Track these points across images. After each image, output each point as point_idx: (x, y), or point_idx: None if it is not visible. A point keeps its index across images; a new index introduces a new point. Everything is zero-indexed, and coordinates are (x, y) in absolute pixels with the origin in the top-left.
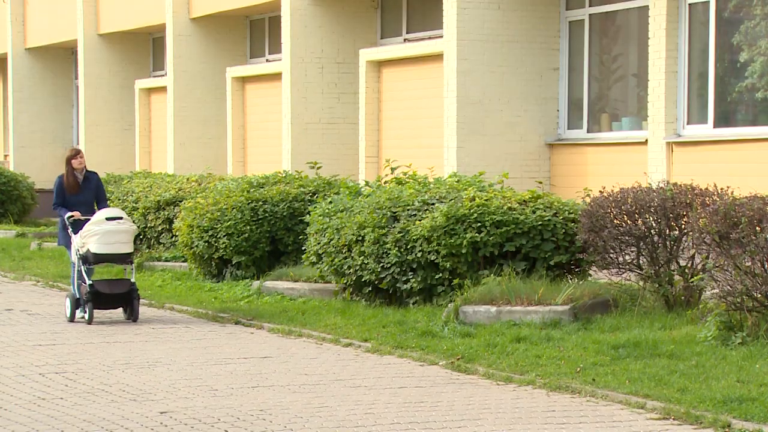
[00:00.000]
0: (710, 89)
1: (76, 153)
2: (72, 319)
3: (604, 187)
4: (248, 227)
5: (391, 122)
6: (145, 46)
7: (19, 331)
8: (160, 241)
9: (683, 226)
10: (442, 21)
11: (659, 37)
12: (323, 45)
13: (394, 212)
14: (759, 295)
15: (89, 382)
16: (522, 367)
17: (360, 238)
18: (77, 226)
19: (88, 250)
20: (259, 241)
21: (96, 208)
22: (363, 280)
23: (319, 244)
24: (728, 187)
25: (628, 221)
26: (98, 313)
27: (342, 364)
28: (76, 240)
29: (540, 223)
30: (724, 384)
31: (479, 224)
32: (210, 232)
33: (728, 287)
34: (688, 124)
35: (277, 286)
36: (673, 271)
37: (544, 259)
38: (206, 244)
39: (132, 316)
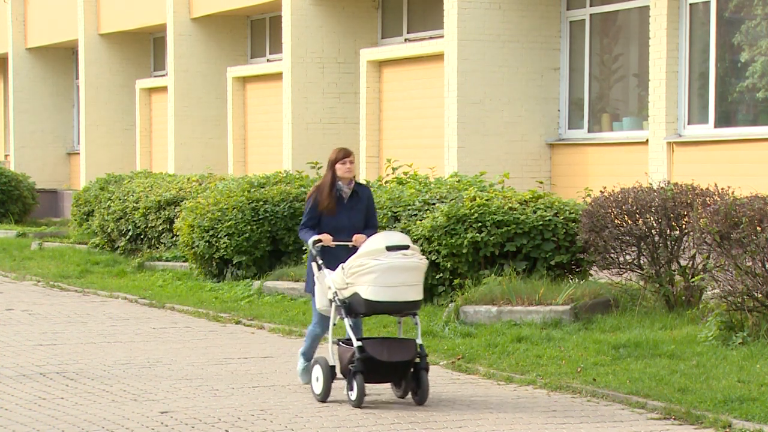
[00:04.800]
0: (711, 89)
1: (345, 155)
2: (325, 397)
3: (604, 187)
4: (249, 227)
5: (392, 122)
6: (145, 46)
7: (20, 331)
8: (161, 240)
9: (684, 226)
10: (442, 21)
11: (660, 37)
12: (324, 45)
13: (395, 212)
14: (760, 295)
15: (90, 382)
16: (523, 367)
17: None
18: (332, 257)
19: (357, 294)
20: (260, 241)
21: None
22: None
23: None
24: (729, 187)
25: (629, 221)
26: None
27: None
28: (334, 277)
29: (541, 223)
30: (724, 384)
31: (480, 224)
32: (211, 232)
33: (729, 287)
34: (688, 124)
35: (277, 286)
36: (674, 271)
37: (545, 259)
38: (207, 244)
39: (419, 393)
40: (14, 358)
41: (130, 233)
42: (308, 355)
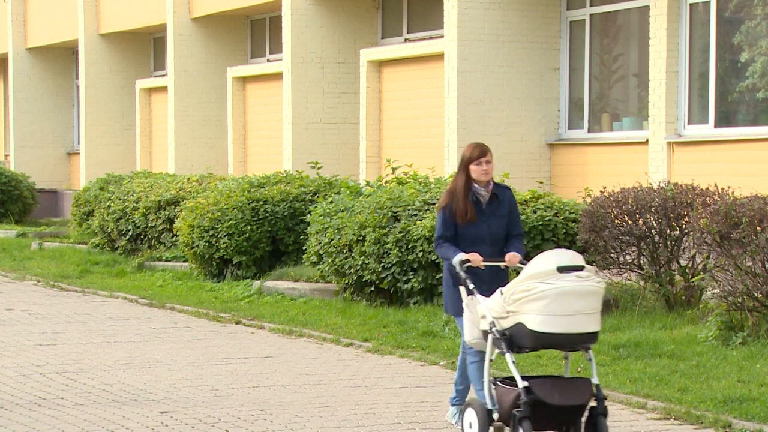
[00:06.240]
0: (711, 89)
1: (482, 154)
2: None
3: (604, 187)
4: (249, 227)
5: (392, 122)
6: (145, 46)
7: (19, 331)
8: (161, 240)
9: (684, 226)
10: (442, 21)
11: (660, 37)
12: (324, 45)
13: (395, 212)
14: (760, 295)
15: (90, 382)
16: (522, 367)
17: (361, 238)
18: (482, 281)
19: (521, 324)
20: (260, 241)
21: (505, 248)
22: (364, 280)
23: (319, 244)
24: (729, 187)
25: (629, 221)
26: None
27: (343, 364)
28: (491, 304)
29: (541, 222)
30: (724, 384)
31: None
32: (211, 232)
33: (729, 287)
34: (688, 124)
35: (277, 286)
36: (674, 271)
37: None
38: (207, 243)
39: None
40: (14, 358)
41: (130, 233)
42: (460, 395)
